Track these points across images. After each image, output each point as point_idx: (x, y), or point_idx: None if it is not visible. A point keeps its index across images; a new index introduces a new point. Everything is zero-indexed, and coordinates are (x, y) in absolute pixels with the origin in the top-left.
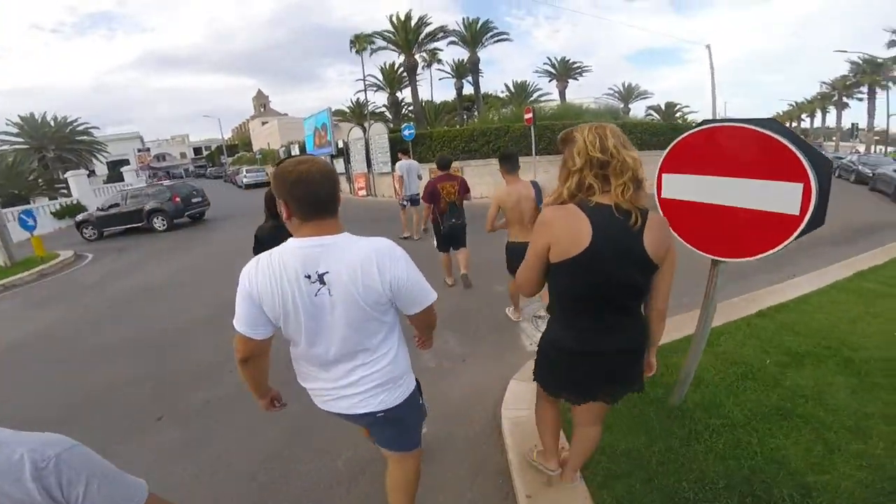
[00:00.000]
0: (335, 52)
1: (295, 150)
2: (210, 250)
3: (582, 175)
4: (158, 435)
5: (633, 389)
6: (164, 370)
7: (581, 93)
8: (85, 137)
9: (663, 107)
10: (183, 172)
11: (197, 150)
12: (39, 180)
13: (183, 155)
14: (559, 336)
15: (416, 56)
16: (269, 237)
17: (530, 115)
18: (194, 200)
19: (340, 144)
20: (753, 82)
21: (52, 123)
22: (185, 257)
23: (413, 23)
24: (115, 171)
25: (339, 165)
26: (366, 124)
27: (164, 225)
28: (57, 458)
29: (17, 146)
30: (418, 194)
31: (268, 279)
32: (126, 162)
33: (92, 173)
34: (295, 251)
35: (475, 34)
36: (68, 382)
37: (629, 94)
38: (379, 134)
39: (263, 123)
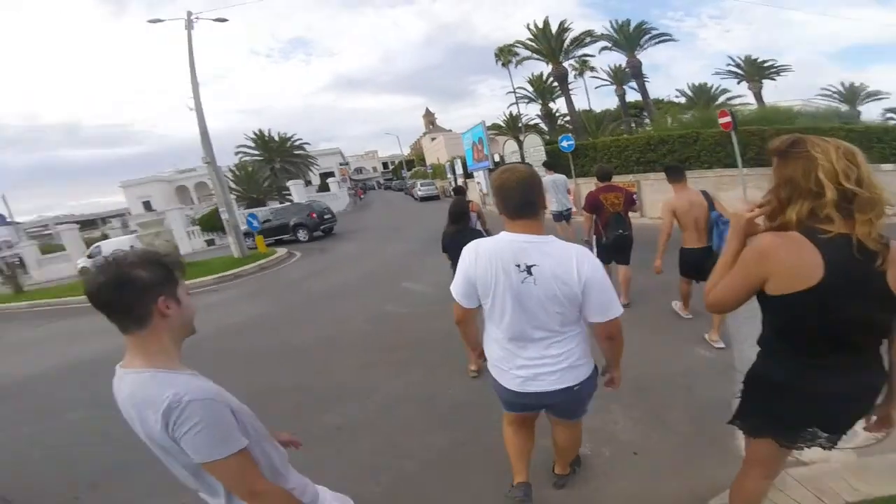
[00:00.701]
0: (484, 69)
1: (458, 165)
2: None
3: (821, 203)
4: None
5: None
6: (319, 382)
7: (781, 95)
8: (300, 152)
9: None
10: (375, 184)
11: (385, 165)
12: (271, 186)
13: (374, 169)
14: (773, 370)
15: (565, 64)
16: (449, 241)
17: (727, 118)
18: (326, 217)
19: (497, 158)
20: None
21: (276, 138)
22: (369, 262)
23: (553, 29)
24: (324, 182)
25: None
26: (521, 137)
27: (305, 236)
28: (186, 404)
29: (254, 157)
30: (569, 209)
31: (486, 262)
32: (332, 174)
33: (308, 183)
34: (509, 243)
35: (629, 37)
36: (241, 378)
37: (853, 94)
38: (534, 146)
39: (433, 140)
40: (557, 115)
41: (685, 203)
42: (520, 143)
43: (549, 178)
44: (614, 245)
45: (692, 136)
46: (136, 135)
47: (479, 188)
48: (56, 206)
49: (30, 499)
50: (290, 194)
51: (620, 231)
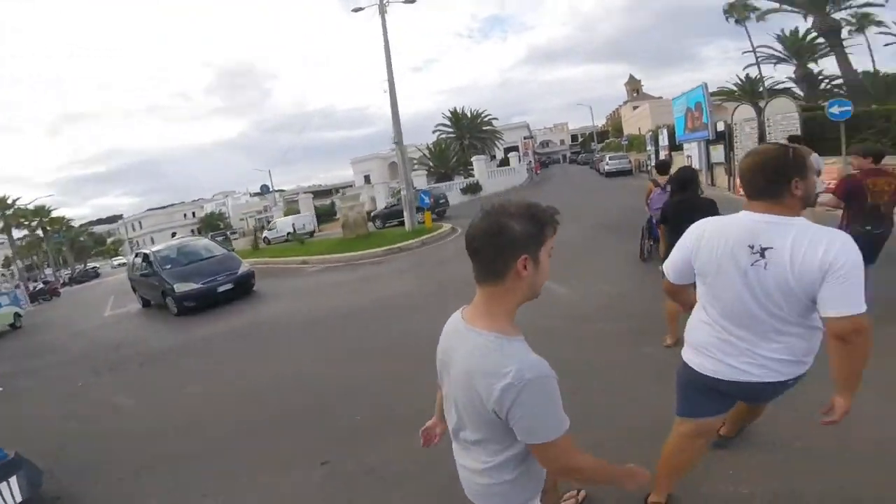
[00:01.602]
0: (709, 30)
1: (664, 136)
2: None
3: None
4: (305, 474)
5: None
6: (381, 404)
7: None
8: (488, 127)
9: None
10: (561, 158)
11: (574, 138)
12: (458, 162)
13: (562, 142)
14: None
15: (836, 16)
16: (672, 210)
17: None
18: (440, 201)
19: (721, 127)
20: None
21: (469, 115)
22: None
23: None
24: (506, 156)
25: (719, 154)
26: (761, 103)
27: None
28: (527, 383)
29: (448, 135)
30: (818, 193)
31: (711, 242)
32: (516, 148)
33: (492, 158)
34: (743, 222)
35: None
36: (324, 373)
37: None
38: (783, 112)
39: (635, 108)
40: (822, 77)
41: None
42: (758, 110)
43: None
44: (865, 245)
45: None
46: (371, 117)
47: (689, 163)
48: (311, 178)
49: None
50: (473, 169)
51: (869, 228)
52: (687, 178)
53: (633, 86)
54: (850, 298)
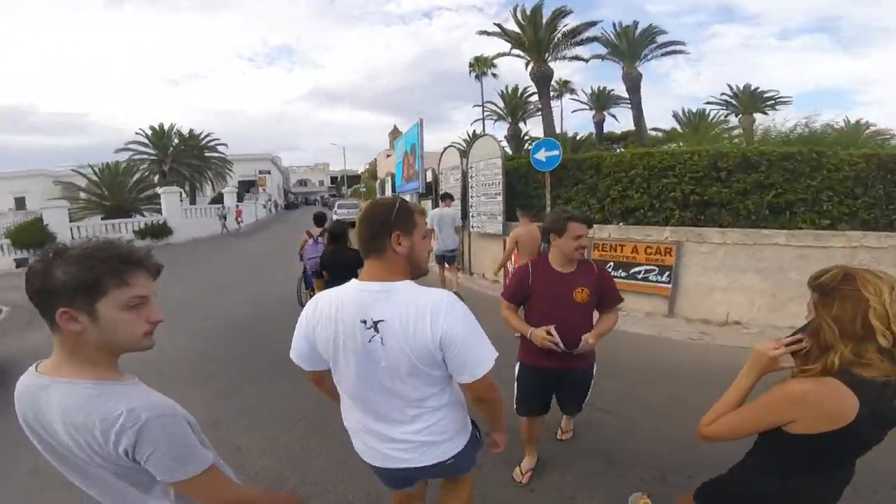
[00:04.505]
0: (461, 95)
1: (388, 183)
2: None
3: (861, 348)
4: None
5: None
6: None
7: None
8: (213, 154)
9: None
10: (319, 199)
11: (333, 179)
12: (140, 194)
13: (321, 182)
14: (777, 489)
15: (552, 64)
16: (328, 259)
17: None
18: None
19: (430, 177)
20: None
21: (183, 135)
22: None
23: (545, 18)
24: (220, 193)
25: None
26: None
27: None
28: (144, 423)
29: (143, 157)
30: (453, 250)
31: (324, 320)
32: (253, 183)
33: (219, 194)
34: (353, 294)
35: (633, 43)
36: None
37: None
38: (485, 159)
39: (388, 156)
40: (526, 138)
41: (527, 235)
42: (463, 155)
43: (435, 213)
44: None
45: (810, 159)
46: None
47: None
48: None
49: None
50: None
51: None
52: (337, 232)
53: (395, 136)
54: (474, 363)
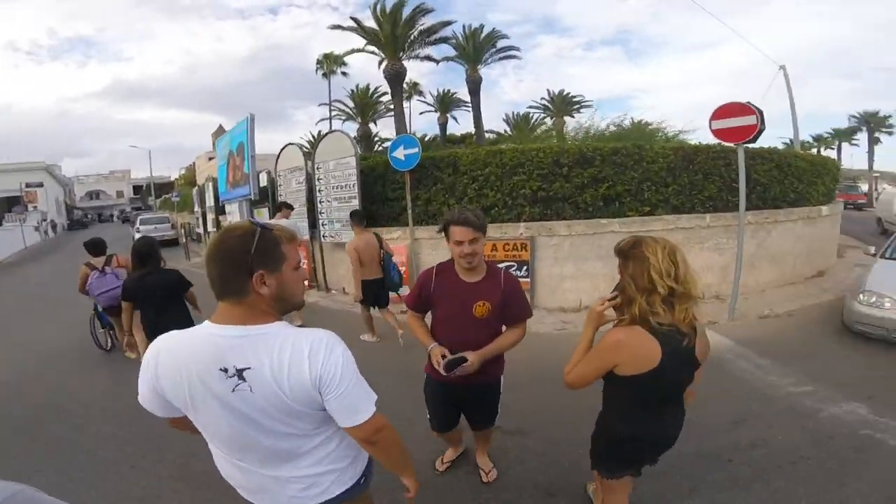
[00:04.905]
0: (305, 95)
1: (209, 191)
2: None
3: (651, 299)
4: None
5: None
6: None
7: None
8: None
9: None
10: (116, 214)
11: (136, 189)
12: None
13: (120, 193)
14: (624, 427)
15: (405, 63)
16: (135, 286)
17: (745, 119)
18: None
19: (264, 181)
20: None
21: None
22: None
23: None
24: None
25: (266, 219)
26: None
27: None
28: None
29: None
30: None
31: (172, 370)
32: (19, 200)
33: None
34: (206, 339)
35: (477, 45)
36: None
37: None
38: (336, 158)
39: (210, 159)
40: (377, 139)
41: (363, 244)
42: (308, 156)
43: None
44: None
45: (634, 153)
46: None
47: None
48: None
49: None
50: None
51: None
52: (144, 253)
53: (220, 135)
54: (357, 407)
